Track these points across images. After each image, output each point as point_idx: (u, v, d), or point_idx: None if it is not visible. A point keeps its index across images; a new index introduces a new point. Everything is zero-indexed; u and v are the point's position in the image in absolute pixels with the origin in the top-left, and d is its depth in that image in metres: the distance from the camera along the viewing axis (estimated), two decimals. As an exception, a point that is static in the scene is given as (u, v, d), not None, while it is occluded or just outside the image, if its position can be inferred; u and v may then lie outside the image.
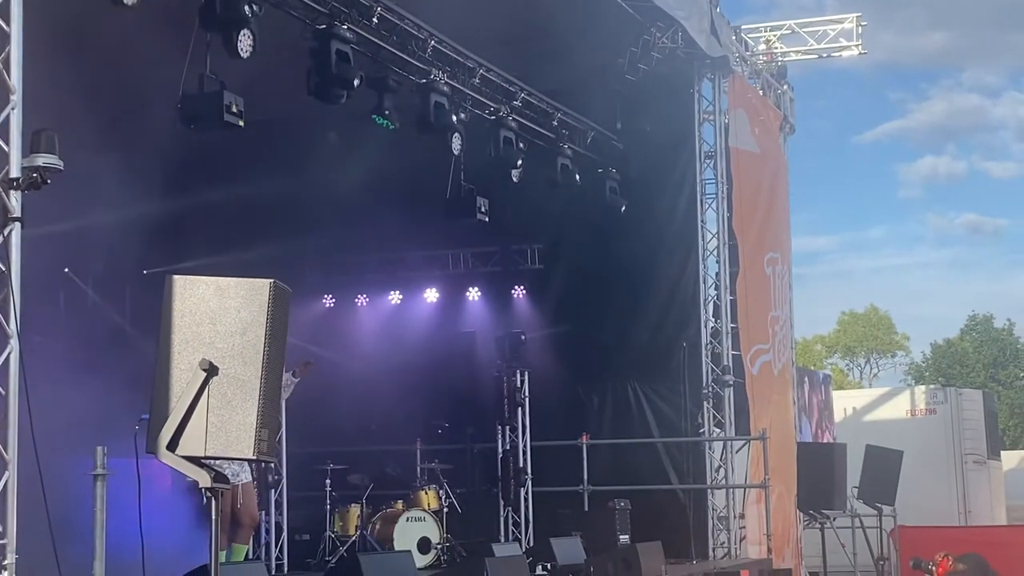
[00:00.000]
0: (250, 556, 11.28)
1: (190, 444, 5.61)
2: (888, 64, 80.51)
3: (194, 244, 14.84)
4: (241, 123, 10.06)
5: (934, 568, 8.91)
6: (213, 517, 5.71)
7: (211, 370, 5.60)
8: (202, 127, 10.30)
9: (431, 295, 18.24)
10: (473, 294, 18.05)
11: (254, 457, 5.71)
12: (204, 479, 5.65)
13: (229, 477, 10.69)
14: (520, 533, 15.20)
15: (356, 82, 11.22)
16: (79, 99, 9.49)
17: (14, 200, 6.21)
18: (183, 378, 5.64)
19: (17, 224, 6.19)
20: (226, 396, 5.63)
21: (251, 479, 11.30)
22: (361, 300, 18.52)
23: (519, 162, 13.97)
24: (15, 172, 6.21)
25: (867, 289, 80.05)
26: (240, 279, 5.80)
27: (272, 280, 5.79)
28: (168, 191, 14.08)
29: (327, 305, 18.41)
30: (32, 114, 6.47)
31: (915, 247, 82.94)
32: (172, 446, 5.59)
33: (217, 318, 5.68)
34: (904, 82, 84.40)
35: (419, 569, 11.07)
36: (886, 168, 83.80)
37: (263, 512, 13.26)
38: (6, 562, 5.93)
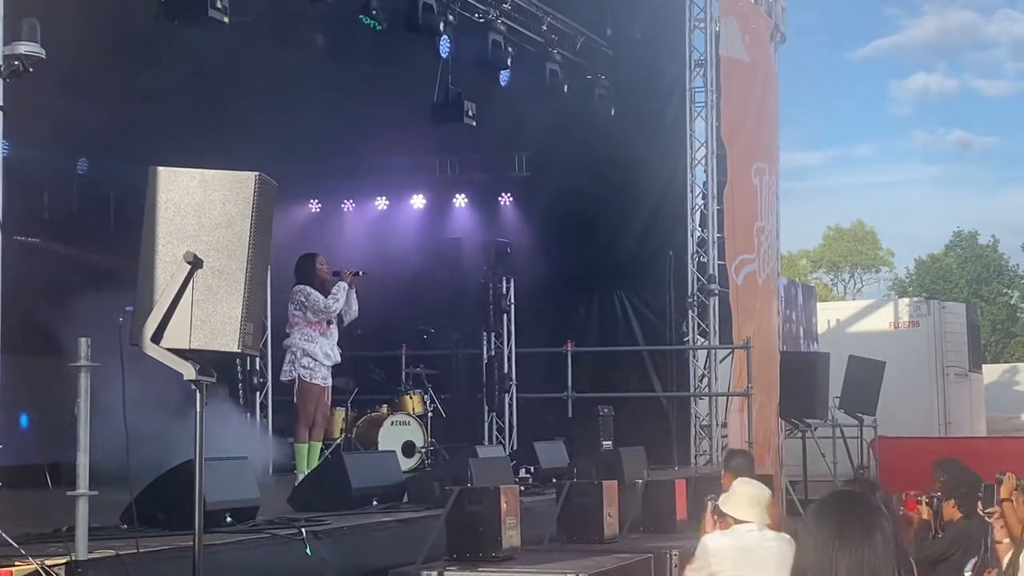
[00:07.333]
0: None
1: (175, 336, 5.59)
2: (881, -22, 79.73)
3: (177, 146, 14.72)
4: (226, 19, 9.92)
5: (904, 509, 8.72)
6: (198, 410, 5.71)
7: (195, 263, 5.56)
8: (186, 23, 10.16)
9: (418, 201, 18.17)
10: (460, 201, 17.98)
11: (239, 351, 5.71)
12: (188, 371, 5.65)
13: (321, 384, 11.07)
14: (504, 438, 15.30)
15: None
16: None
17: (-4, 90, 6.11)
18: (168, 270, 5.60)
19: (-1, 113, 6.10)
20: (211, 289, 5.60)
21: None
22: (347, 205, 18.45)
23: (507, 66, 13.84)
24: (-4, 61, 6.11)
25: (854, 205, 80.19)
26: (225, 171, 5.73)
27: (258, 173, 5.73)
28: (150, 91, 13.91)
29: (313, 210, 18.34)
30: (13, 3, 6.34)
31: (904, 164, 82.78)
32: (157, 338, 5.57)
33: (202, 210, 5.63)
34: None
35: (403, 472, 11.12)
36: (878, 84, 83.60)
37: (248, 414, 13.35)
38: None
